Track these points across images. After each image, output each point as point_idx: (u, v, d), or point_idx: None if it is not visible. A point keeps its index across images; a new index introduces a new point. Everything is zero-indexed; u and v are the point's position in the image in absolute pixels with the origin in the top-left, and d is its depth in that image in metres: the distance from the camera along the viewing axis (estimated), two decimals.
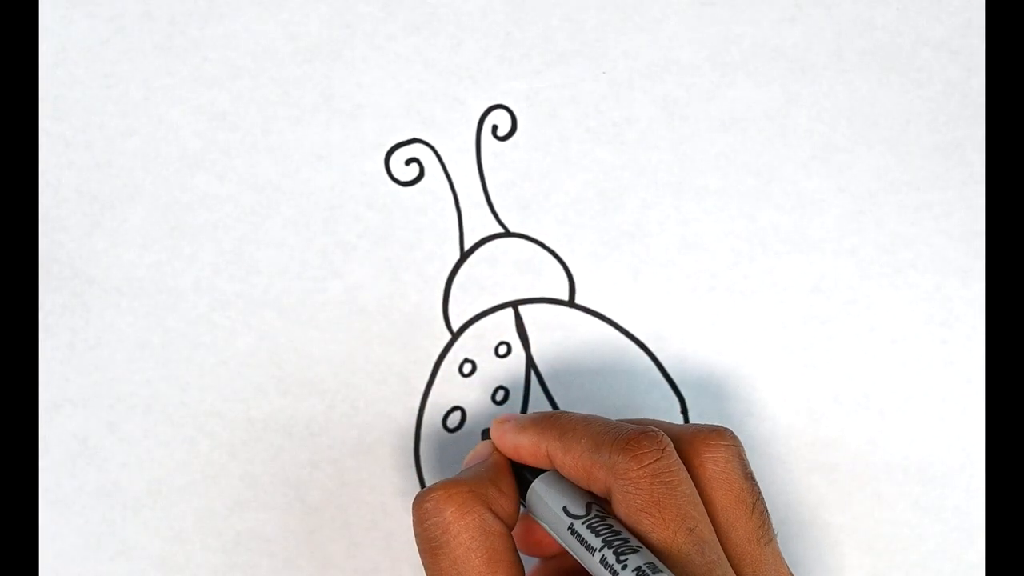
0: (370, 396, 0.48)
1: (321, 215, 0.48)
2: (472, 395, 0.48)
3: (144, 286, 0.47)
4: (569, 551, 0.41)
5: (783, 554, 0.42)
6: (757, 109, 0.49)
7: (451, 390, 0.48)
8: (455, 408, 0.48)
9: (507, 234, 0.49)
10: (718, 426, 0.43)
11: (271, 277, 0.48)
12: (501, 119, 0.49)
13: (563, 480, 0.43)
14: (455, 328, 0.48)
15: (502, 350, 0.48)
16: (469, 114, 0.48)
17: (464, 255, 0.48)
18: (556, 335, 0.48)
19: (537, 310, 0.49)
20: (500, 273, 0.48)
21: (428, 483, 0.48)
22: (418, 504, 0.42)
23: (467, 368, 0.48)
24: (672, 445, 0.41)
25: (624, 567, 0.39)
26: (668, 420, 0.46)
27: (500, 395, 0.48)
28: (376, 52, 0.48)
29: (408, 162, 0.48)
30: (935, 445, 0.49)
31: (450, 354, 0.48)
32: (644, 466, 0.41)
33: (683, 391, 0.49)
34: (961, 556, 0.49)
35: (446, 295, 0.48)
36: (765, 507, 0.42)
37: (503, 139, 0.49)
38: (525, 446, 0.44)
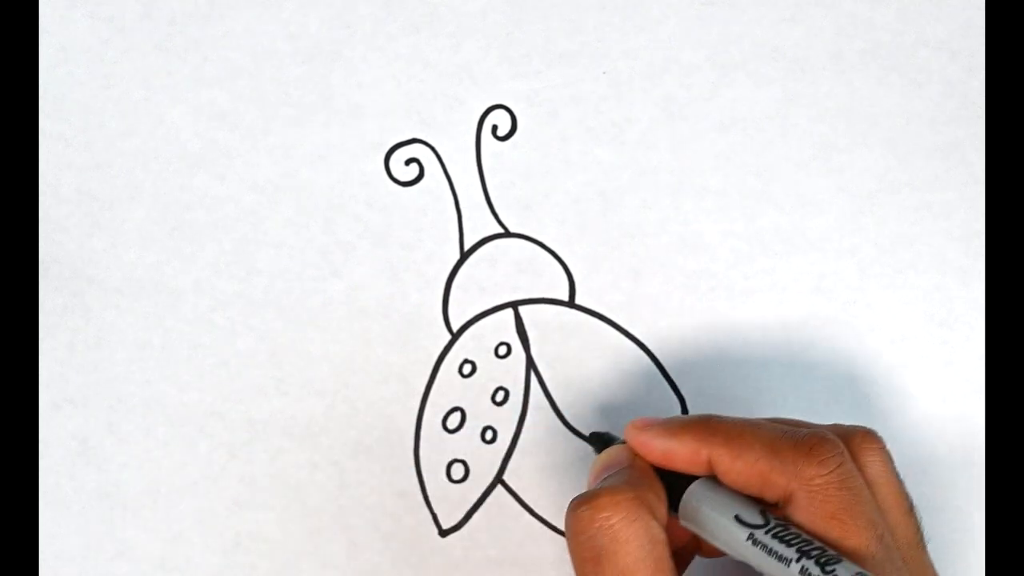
0: (370, 396, 0.48)
1: (321, 215, 0.48)
2: (472, 395, 0.48)
3: (144, 286, 0.47)
4: (747, 561, 0.40)
5: None
6: (757, 109, 0.49)
7: (451, 390, 0.48)
8: (455, 408, 0.48)
9: (507, 234, 0.49)
10: (868, 428, 0.42)
11: (271, 277, 0.48)
12: (501, 119, 0.49)
13: (722, 486, 0.42)
14: (455, 328, 0.48)
15: (502, 350, 0.48)
16: (469, 114, 0.48)
17: (464, 255, 0.48)
18: (556, 335, 0.48)
19: (537, 310, 0.49)
20: (500, 273, 0.48)
21: (427, 484, 0.48)
22: (578, 511, 0.40)
23: (467, 368, 0.48)
24: (847, 450, 0.41)
25: None
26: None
27: (500, 395, 0.48)
28: (376, 52, 0.48)
29: (408, 162, 0.48)
30: (935, 445, 0.49)
31: (450, 354, 0.48)
32: (830, 471, 0.40)
33: (683, 391, 0.49)
34: (961, 556, 0.49)
35: (446, 295, 0.48)
36: (917, 510, 0.42)
37: (503, 139, 0.49)
38: (680, 451, 0.42)
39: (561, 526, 0.48)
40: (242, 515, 0.47)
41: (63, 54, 0.47)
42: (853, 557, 0.39)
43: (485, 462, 0.48)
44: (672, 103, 0.49)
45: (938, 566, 0.42)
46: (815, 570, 0.38)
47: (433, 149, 0.48)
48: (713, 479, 0.42)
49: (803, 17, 0.49)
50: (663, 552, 0.40)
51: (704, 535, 0.42)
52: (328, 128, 0.48)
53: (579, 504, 0.41)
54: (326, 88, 0.48)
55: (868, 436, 0.42)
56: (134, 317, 0.47)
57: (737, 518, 0.40)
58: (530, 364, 0.49)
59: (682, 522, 0.42)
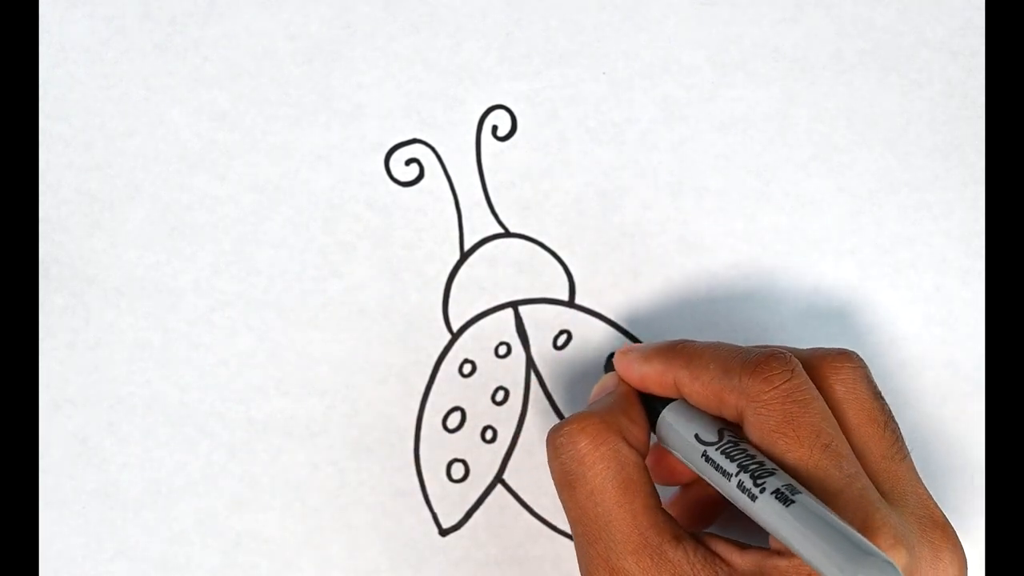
0: (370, 396, 0.48)
1: (321, 215, 0.48)
2: (472, 395, 0.48)
3: (144, 286, 0.47)
4: (704, 478, 0.41)
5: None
6: (757, 109, 0.49)
7: (451, 390, 0.48)
8: (455, 408, 0.48)
9: (507, 234, 0.49)
10: (844, 349, 0.43)
11: (271, 277, 0.48)
12: (501, 119, 0.49)
13: (692, 408, 0.43)
14: (455, 328, 0.48)
15: (502, 350, 0.48)
16: (469, 114, 0.48)
17: (464, 255, 0.48)
18: (556, 335, 0.48)
19: (537, 310, 0.49)
20: (500, 273, 0.48)
21: (427, 483, 0.48)
22: (552, 439, 0.42)
23: (467, 368, 0.48)
24: (801, 365, 0.41)
25: (762, 490, 0.39)
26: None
27: (500, 395, 0.48)
28: (376, 52, 0.48)
29: (408, 162, 0.48)
30: (935, 445, 0.49)
31: (450, 354, 0.48)
32: (775, 387, 0.40)
33: None
34: None
35: (446, 295, 0.48)
36: (897, 425, 0.42)
37: (503, 139, 0.49)
38: (651, 375, 0.44)
39: (561, 525, 0.48)
40: (242, 515, 0.47)
41: (63, 54, 0.47)
42: (794, 468, 0.40)
43: (485, 462, 0.48)
44: (672, 103, 0.49)
45: None
46: (749, 483, 0.39)
47: (433, 149, 0.48)
48: (686, 402, 0.43)
49: (803, 17, 0.49)
50: (634, 474, 0.41)
51: (676, 455, 0.43)
52: (328, 128, 0.48)
53: (551, 432, 0.42)
54: (326, 88, 0.48)
55: (841, 356, 0.43)
56: (134, 317, 0.47)
57: (696, 436, 0.42)
58: (530, 364, 0.49)
59: (662, 444, 0.44)
